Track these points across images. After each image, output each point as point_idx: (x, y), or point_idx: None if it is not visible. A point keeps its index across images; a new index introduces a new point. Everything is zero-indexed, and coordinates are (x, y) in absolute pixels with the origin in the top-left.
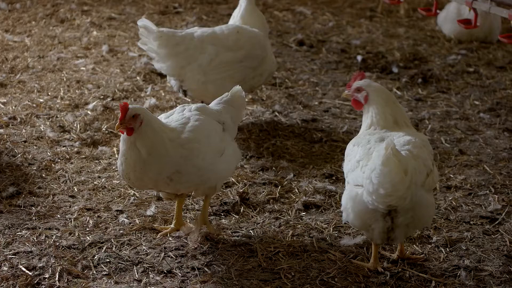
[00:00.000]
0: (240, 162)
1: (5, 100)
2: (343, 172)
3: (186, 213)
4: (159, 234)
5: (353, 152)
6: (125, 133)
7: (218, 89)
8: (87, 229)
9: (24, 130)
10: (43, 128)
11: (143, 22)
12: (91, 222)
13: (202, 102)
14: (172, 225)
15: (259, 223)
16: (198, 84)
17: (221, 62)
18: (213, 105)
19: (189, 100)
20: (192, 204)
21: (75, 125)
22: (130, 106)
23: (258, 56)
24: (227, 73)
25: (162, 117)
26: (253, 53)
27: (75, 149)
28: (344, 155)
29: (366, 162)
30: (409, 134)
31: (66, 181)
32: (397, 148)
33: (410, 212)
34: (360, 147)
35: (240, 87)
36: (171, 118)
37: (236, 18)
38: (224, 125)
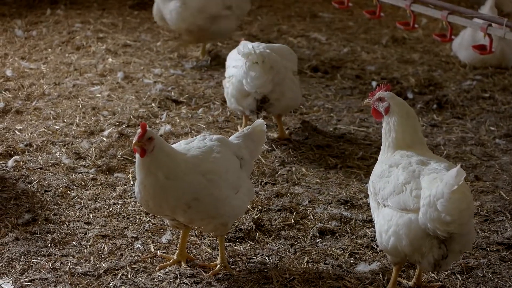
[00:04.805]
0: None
1: (21, 127)
2: (358, 199)
3: (201, 239)
4: (158, 266)
5: (391, 173)
6: (138, 154)
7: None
8: (103, 256)
9: (40, 157)
10: (59, 155)
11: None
12: (106, 249)
13: (279, 115)
14: (174, 256)
15: (274, 249)
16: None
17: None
18: (233, 138)
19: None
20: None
21: (90, 152)
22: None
23: None
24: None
25: (182, 144)
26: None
27: (91, 176)
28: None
29: (415, 186)
30: (440, 160)
31: (82, 208)
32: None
33: (464, 239)
34: (401, 169)
35: (263, 120)
36: (191, 144)
37: None
38: (241, 161)
